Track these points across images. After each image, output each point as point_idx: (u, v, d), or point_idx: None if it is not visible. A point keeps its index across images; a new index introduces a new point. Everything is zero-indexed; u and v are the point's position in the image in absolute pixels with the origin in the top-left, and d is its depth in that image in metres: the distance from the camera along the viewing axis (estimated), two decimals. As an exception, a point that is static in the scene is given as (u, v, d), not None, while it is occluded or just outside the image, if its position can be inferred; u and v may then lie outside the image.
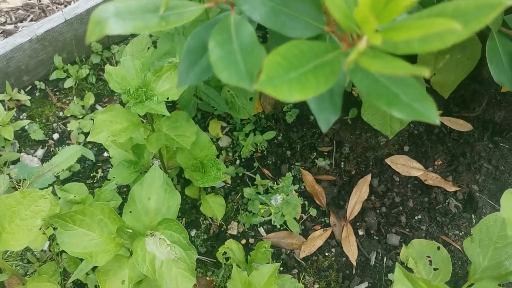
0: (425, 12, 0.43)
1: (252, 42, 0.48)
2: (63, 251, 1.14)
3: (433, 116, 0.46)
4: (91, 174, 1.33)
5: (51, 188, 0.83)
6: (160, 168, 1.22)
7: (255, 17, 0.51)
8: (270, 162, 1.40)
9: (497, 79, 0.83)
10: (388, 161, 1.41)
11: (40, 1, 1.57)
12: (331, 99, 0.56)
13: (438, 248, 1.12)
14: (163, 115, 1.04)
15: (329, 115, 0.56)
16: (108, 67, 0.95)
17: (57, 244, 1.13)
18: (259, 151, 1.42)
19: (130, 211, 0.93)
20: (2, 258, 1.10)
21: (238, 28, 0.50)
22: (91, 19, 0.45)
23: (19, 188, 1.14)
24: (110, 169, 1.35)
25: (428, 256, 1.12)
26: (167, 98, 0.95)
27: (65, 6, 1.57)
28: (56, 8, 1.56)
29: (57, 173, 1.27)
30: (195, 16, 0.49)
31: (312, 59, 0.44)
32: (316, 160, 1.41)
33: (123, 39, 1.58)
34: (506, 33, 0.83)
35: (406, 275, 0.80)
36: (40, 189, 1.19)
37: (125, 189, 1.31)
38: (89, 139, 0.96)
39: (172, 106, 1.44)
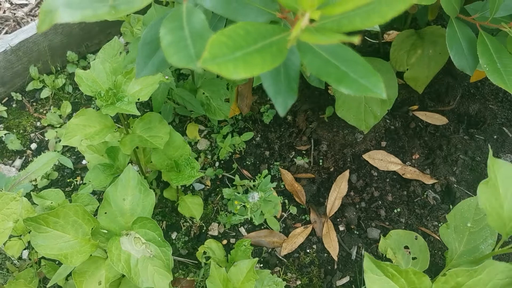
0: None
1: (203, 28, 0.50)
2: (42, 258, 1.14)
3: (379, 90, 0.47)
4: (69, 180, 1.33)
5: (21, 190, 0.83)
6: (138, 171, 1.22)
7: (206, 5, 0.53)
8: (249, 163, 1.41)
9: (458, 65, 0.85)
10: (365, 156, 1.43)
11: (14, 14, 1.58)
12: (287, 84, 0.57)
13: (416, 237, 1.13)
14: (137, 118, 1.05)
15: (286, 99, 0.57)
16: (78, 70, 0.96)
17: (36, 251, 1.13)
18: (238, 153, 1.43)
19: (105, 212, 0.93)
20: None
21: (189, 16, 0.51)
22: (42, 9, 0.46)
23: (-4, 198, 1.14)
24: (89, 176, 1.35)
25: (407, 246, 1.13)
26: (138, 99, 0.96)
27: (40, 17, 1.57)
28: (31, 20, 1.57)
29: (34, 181, 1.27)
30: (145, 5, 0.50)
31: (259, 39, 0.46)
32: (294, 159, 1.42)
33: (99, 48, 1.58)
34: (464, 20, 0.85)
35: (376, 264, 0.81)
36: (18, 197, 1.19)
37: (103, 194, 1.31)
38: (62, 143, 0.97)
39: (150, 111, 1.44)
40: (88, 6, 0.47)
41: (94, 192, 1.31)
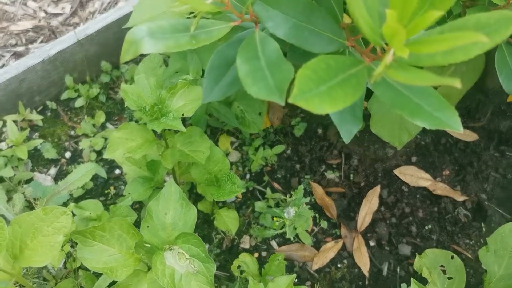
0: (447, 26, 0.45)
1: (278, 57, 0.51)
2: (79, 268, 1.15)
3: (455, 124, 0.48)
4: (106, 191, 1.34)
5: (72, 204, 0.84)
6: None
7: (278, 34, 0.53)
8: (280, 176, 1.42)
9: (507, 89, 0.85)
10: (396, 172, 1.42)
11: (50, 23, 1.60)
12: (352, 112, 0.58)
13: (452, 257, 1.13)
14: (177, 131, 1.06)
15: (351, 126, 0.58)
16: (124, 85, 0.97)
17: (73, 260, 1.14)
18: (269, 165, 1.43)
19: (148, 226, 0.94)
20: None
21: (263, 45, 0.52)
22: (126, 38, 0.47)
23: (34, 206, 1.16)
24: (122, 186, 1.37)
25: (442, 266, 1.13)
26: (182, 115, 0.97)
27: (74, 27, 1.59)
28: (66, 29, 1.59)
29: (71, 191, 1.28)
30: (223, 34, 0.51)
31: (339, 72, 0.46)
32: (325, 173, 1.42)
33: (132, 59, 1.60)
34: (513, 44, 0.85)
35: (421, 289, 0.81)
36: (55, 207, 1.21)
37: (137, 205, 1.32)
38: (105, 156, 0.98)
39: (182, 122, 1.46)
40: (170, 37, 0.48)
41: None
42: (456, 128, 0.48)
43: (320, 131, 1.50)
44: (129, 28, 1.10)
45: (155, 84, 0.99)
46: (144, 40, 0.47)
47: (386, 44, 0.46)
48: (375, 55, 0.51)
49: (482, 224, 1.34)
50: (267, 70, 0.49)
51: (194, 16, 0.51)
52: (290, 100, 0.41)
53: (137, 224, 1.20)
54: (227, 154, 1.44)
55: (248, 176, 1.42)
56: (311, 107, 0.42)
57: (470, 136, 1.50)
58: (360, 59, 0.50)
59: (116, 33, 1.50)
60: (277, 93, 0.46)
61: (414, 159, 1.46)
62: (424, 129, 1.51)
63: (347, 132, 0.58)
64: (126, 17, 1.48)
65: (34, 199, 1.27)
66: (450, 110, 0.49)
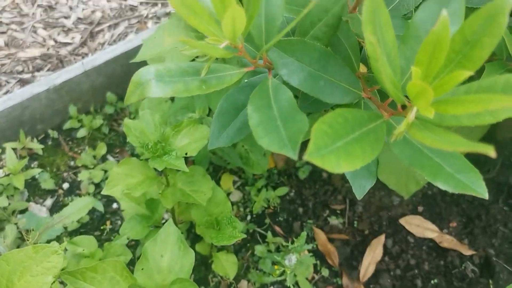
0: (473, 86, 0.42)
1: (292, 107, 0.48)
2: (68, 307, 1.10)
3: (480, 188, 0.45)
4: (102, 227, 1.30)
5: (65, 243, 0.80)
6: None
7: (293, 82, 0.51)
8: (281, 219, 1.38)
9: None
10: (402, 221, 1.38)
11: (58, 52, 1.59)
12: (367, 167, 0.55)
13: (458, 316, 1.08)
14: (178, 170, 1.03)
15: (365, 182, 0.55)
16: (127, 120, 0.95)
17: (62, 300, 1.09)
18: (271, 207, 1.39)
19: (142, 269, 0.89)
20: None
21: (276, 93, 0.50)
22: (132, 80, 0.45)
23: (26, 239, 1.11)
24: (119, 221, 1.33)
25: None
26: (186, 154, 0.94)
27: (83, 57, 1.59)
28: (74, 59, 1.58)
29: (66, 225, 1.24)
30: (235, 80, 0.48)
31: (356, 127, 0.44)
32: (328, 218, 1.38)
33: (137, 100, 1.58)
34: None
35: None
36: (48, 240, 1.17)
37: (133, 242, 1.28)
38: (104, 192, 0.94)
39: (185, 159, 1.43)
40: (179, 80, 0.45)
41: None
42: (481, 193, 0.45)
43: (325, 175, 1.46)
44: (137, 63, 1.09)
45: (159, 120, 0.97)
46: (152, 83, 0.44)
47: (408, 99, 0.43)
48: (394, 109, 0.48)
49: (490, 281, 1.29)
50: (280, 121, 0.46)
51: (206, 60, 0.49)
52: (305, 158, 0.38)
53: (131, 262, 1.15)
54: (228, 194, 1.41)
55: (249, 217, 1.38)
56: (327, 165, 0.39)
57: (478, 188, 1.46)
58: (378, 113, 0.48)
59: (124, 65, 1.49)
60: (289, 145, 0.43)
61: (420, 208, 1.42)
62: (431, 178, 1.47)
63: (360, 187, 0.55)
64: (135, 50, 1.47)
65: (27, 231, 1.23)
66: (474, 173, 0.46)
